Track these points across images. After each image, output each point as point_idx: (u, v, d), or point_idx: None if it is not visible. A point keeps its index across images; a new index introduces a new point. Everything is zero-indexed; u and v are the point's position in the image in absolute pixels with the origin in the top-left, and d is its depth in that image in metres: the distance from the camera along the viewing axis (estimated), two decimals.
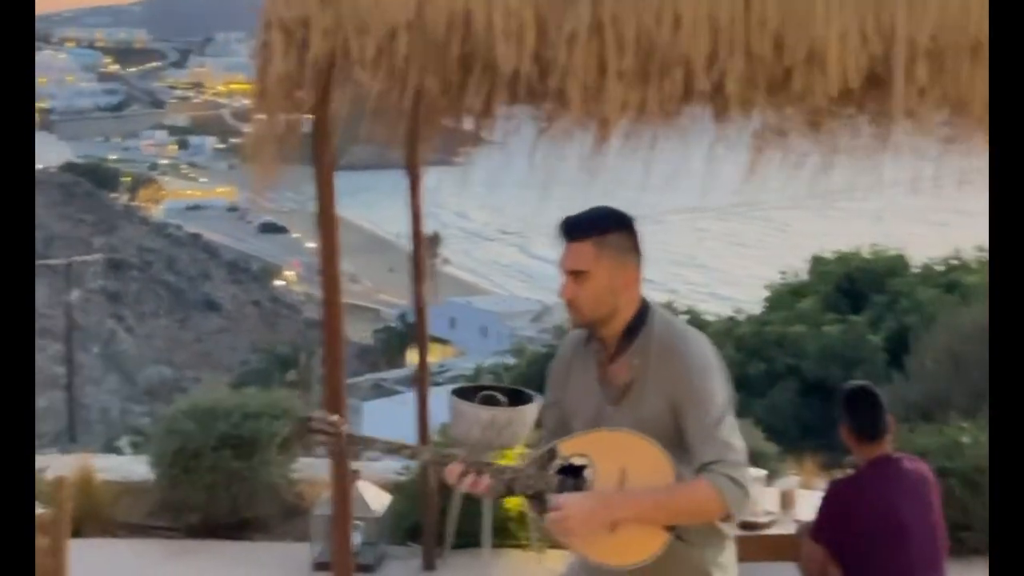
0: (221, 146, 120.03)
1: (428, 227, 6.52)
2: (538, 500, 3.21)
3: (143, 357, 52.35)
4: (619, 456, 3.14)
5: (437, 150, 6.19)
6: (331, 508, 5.08)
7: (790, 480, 5.87)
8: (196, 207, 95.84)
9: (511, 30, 4.31)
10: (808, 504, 5.31)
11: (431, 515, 6.55)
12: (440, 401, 6.44)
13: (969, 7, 4.07)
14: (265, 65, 4.50)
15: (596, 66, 4.29)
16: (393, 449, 3.34)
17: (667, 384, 3.19)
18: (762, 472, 5.65)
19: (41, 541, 4.28)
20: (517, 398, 6.19)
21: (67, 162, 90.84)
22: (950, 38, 4.12)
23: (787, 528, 5.34)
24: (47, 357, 46.74)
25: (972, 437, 6.83)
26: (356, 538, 5.67)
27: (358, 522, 5.94)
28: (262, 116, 4.55)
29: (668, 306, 3.40)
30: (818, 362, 22.52)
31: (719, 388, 3.19)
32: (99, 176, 79.16)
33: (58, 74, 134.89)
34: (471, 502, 6.66)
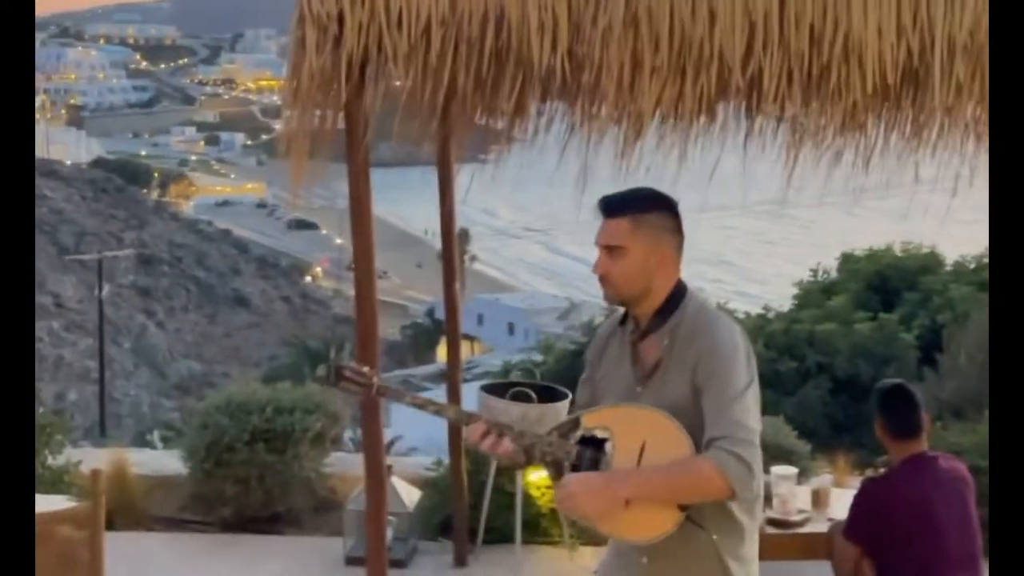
0: (250, 142, 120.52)
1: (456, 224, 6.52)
2: (556, 468, 3.24)
3: (173, 352, 52.59)
4: (640, 432, 3.16)
5: (467, 147, 6.20)
6: (365, 502, 5.10)
7: (823, 478, 5.85)
8: (226, 203, 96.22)
9: (545, 25, 4.31)
10: (841, 502, 5.28)
11: (462, 511, 6.56)
12: (469, 397, 6.44)
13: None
14: (298, 61, 4.51)
15: (631, 62, 4.28)
16: (420, 404, 3.37)
17: (690, 363, 3.20)
18: (794, 470, 5.63)
19: (77, 533, 4.31)
20: (548, 395, 6.18)
21: (97, 158, 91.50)
22: (988, 34, 4.09)
23: (820, 526, 5.31)
24: (78, 351, 47.07)
25: None
26: (388, 533, 5.68)
27: (390, 517, 5.95)
28: (296, 112, 4.56)
29: None
30: (849, 360, 22.39)
31: (740, 371, 3.17)
32: (130, 172, 79.68)
33: (89, 71, 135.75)
34: (502, 498, 6.67)
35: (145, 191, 76.91)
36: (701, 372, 3.17)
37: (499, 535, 6.69)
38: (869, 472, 7.25)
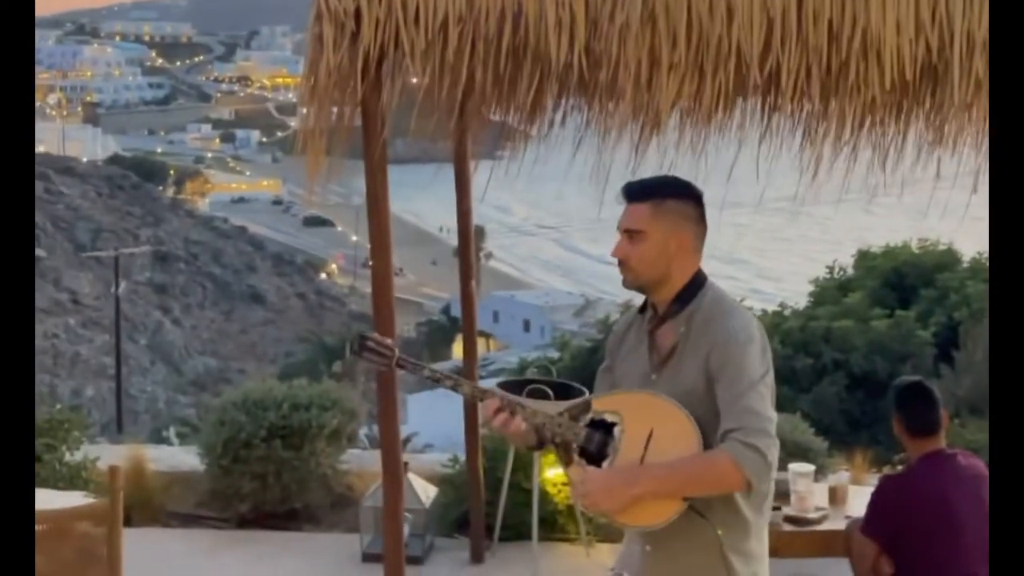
0: (266, 140, 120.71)
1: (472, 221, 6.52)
2: (564, 450, 3.25)
3: (189, 348, 52.73)
4: (649, 419, 3.17)
5: (481, 144, 6.20)
6: (382, 498, 5.10)
7: (840, 475, 5.83)
8: (241, 200, 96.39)
9: (563, 22, 4.31)
10: (858, 500, 5.27)
11: (478, 507, 6.57)
12: None
13: None
14: (316, 58, 4.51)
15: (648, 59, 4.28)
16: (437, 379, 3.40)
17: (704, 351, 3.20)
18: (811, 467, 5.62)
19: (95, 530, 4.32)
20: (564, 392, 6.17)
21: (113, 155, 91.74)
22: None
23: (838, 524, 5.30)
24: (95, 348, 47.23)
25: None
26: (404, 530, 5.68)
27: (406, 514, 5.95)
28: (313, 108, 4.56)
29: None
30: (866, 357, 22.32)
31: (754, 360, 3.16)
32: (145, 169, 79.79)
33: (105, 68, 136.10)
34: (519, 495, 6.67)
35: (161, 188, 77.06)
36: (714, 360, 3.17)
37: (516, 532, 6.69)
38: (887, 469, 7.25)
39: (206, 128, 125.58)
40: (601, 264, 72.08)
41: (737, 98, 4.64)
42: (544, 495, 6.56)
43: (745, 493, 3.15)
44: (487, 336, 51.15)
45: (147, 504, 7.21)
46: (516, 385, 6.27)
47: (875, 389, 20.69)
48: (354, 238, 71.09)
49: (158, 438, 17.08)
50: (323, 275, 70.74)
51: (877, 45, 4.12)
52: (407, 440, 15.38)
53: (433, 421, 20.04)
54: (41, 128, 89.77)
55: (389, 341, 3.46)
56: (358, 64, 4.46)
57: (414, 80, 4.54)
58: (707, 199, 3.42)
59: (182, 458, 7.92)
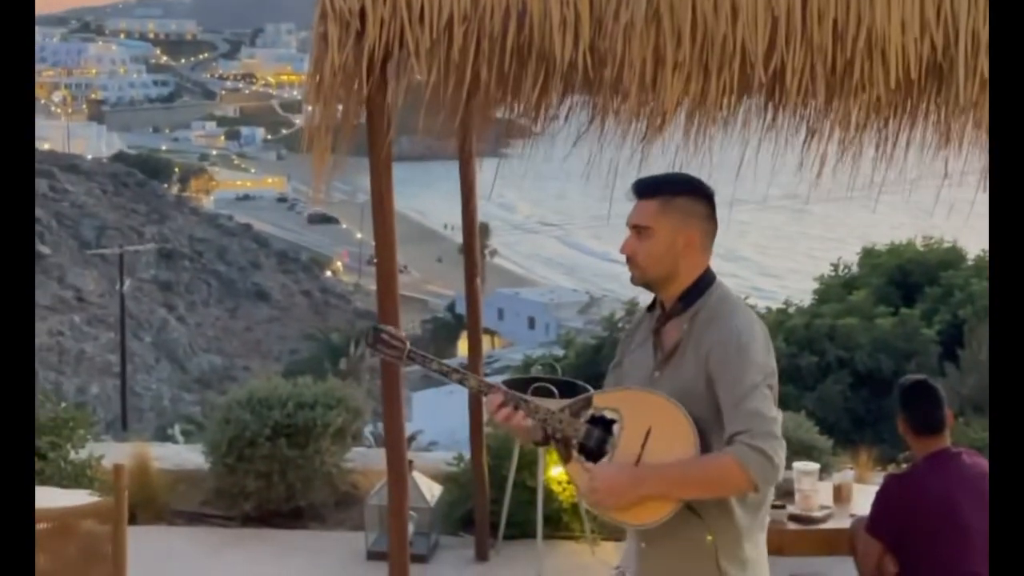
0: (271, 137, 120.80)
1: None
2: (564, 446, 3.26)
3: (194, 346, 52.78)
4: (648, 417, 3.17)
5: (486, 142, 6.20)
6: (387, 496, 5.11)
7: (845, 474, 5.83)
8: (246, 197, 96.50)
9: (567, 21, 4.31)
10: (863, 498, 5.27)
11: (483, 506, 6.57)
12: None
13: None
14: (321, 56, 4.51)
15: (653, 57, 4.27)
16: (445, 372, 3.43)
17: (705, 350, 3.19)
18: (816, 466, 5.62)
19: (100, 528, 4.33)
20: (569, 390, 6.17)
21: (118, 152, 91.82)
22: None
23: (842, 522, 5.30)
24: (100, 345, 47.28)
25: None
26: (409, 528, 5.69)
27: (411, 512, 5.96)
28: (318, 107, 4.56)
29: None
30: (870, 355, 22.33)
31: (755, 361, 3.14)
32: (150, 167, 79.85)
33: (110, 66, 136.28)
34: (523, 493, 6.67)
35: (166, 186, 77.14)
36: (714, 360, 3.16)
37: (520, 530, 6.69)
38: (892, 468, 7.24)
39: (211, 125, 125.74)
40: (604, 262, 72.15)
41: (742, 97, 4.64)
42: (549, 493, 6.56)
43: (740, 497, 3.15)
44: (492, 333, 51.18)
45: (152, 502, 7.22)
46: (521, 383, 6.25)
47: (879, 387, 20.70)
48: (359, 235, 71.16)
49: (163, 436, 17.08)
50: (328, 272, 70.81)
51: (882, 44, 4.11)
52: (412, 438, 15.39)
53: (438, 419, 20.06)
54: (46, 126, 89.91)
55: (402, 334, 3.49)
56: (363, 63, 4.46)
57: (419, 78, 4.54)
58: (715, 197, 3.41)
59: (187, 456, 7.93)
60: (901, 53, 4.12)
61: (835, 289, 26.20)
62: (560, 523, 6.83)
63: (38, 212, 48.38)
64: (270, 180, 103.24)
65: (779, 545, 5.12)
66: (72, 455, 6.96)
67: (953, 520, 4.46)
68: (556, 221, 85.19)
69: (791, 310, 25.66)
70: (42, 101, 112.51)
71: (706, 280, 3.32)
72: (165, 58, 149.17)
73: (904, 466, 4.89)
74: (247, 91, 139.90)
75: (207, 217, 68.26)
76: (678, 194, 3.33)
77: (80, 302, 50.13)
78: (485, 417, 6.47)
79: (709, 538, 3.17)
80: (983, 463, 4.66)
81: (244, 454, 7.07)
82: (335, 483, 7.33)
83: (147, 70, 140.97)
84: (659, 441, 3.14)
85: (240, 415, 7.12)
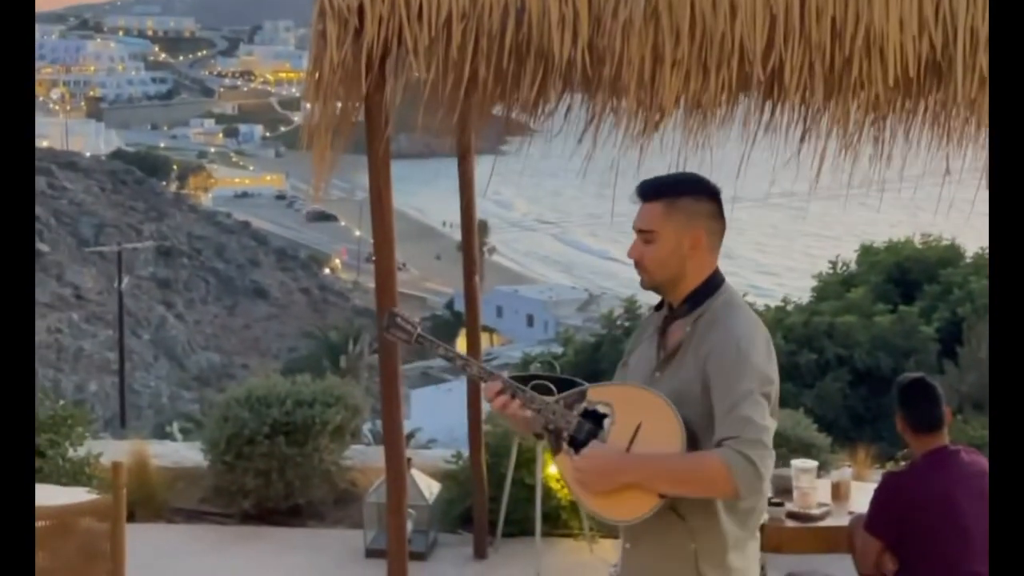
0: (269, 134, 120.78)
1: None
2: (556, 437, 3.26)
3: (193, 343, 52.76)
4: (639, 413, 3.16)
5: (483, 139, 6.20)
6: (385, 494, 5.11)
7: (843, 471, 5.82)
8: (245, 195, 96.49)
9: (566, 18, 4.31)
10: (861, 496, 5.27)
11: (482, 503, 6.57)
12: None
13: None
14: (319, 54, 4.52)
15: (651, 55, 4.28)
16: (450, 357, 3.46)
17: (703, 354, 3.17)
18: (814, 463, 5.62)
19: (99, 525, 4.33)
20: (568, 388, 6.17)
21: (117, 150, 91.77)
22: None
23: (840, 520, 5.30)
24: (98, 343, 47.26)
25: None
26: (408, 526, 5.69)
27: (409, 510, 5.96)
28: (317, 104, 4.56)
29: None
30: (869, 352, 22.36)
31: (754, 369, 3.10)
32: (149, 164, 79.78)
33: (108, 63, 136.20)
34: (521, 490, 6.67)
35: (164, 183, 77.07)
36: (712, 364, 3.14)
37: (519, 528, 6.69)
38: (890, 466, 7.25)
39: (209, 123, 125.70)
40: (602, 260, 72.15)
41: (740, 95, 4.64)
42: (547, 491, 6.57)
43: (729, 505, 3.12)
44: (491, 331, 51.16)
45: (150, 500, 7.22)
46: (521, 381, 6.28)
47: (878, 385, 20.72)
48: (357, 233, 71.14)
49: (161, 434, 17.07)
50: (327, 270, 70.79)
51: (880, 42, 4.12)
52: (410, 436, 15.39)
53: (436, 417, 20.06)
54: (44, 123, 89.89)
55: (415, 319, 3.49)
56: (362, 60, 4.47)
57: (418, 75, 4.54)
58: None
59: (185, 454, 7.93)
60: (899, 51, 4.13)
61: (834, 287, 26.23)
62: (559, 521, 6.83)
63: (36, 210, 48.34)
64: (268, 177, 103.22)
65: (777, 543, 5.14)
66: (71, 453, 6.95)
67: (952, 518, 4.46)
68: (553, 219, 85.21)
69: (790, 308, 25.69)
70: (40, 98, 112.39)
71: (714, 282, 3.28)
72: (163, 55, 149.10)
73: (902, 464, 4.89)
74: (245, 88, 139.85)
75: (205, 215, 68.22)
76: (682, 195, 3.28)
77: (78, 300, 50.11)
78: (484, 414, 6.47)
79: (692, 546, 3.14)
80: (982, 461, 4.66)
81: (243, 452, 7.07)
82: (334, 481, 7.33)
83: (145, 67, 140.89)
84: (647, 438, 3.13)
85: (239, 413, 7.12)
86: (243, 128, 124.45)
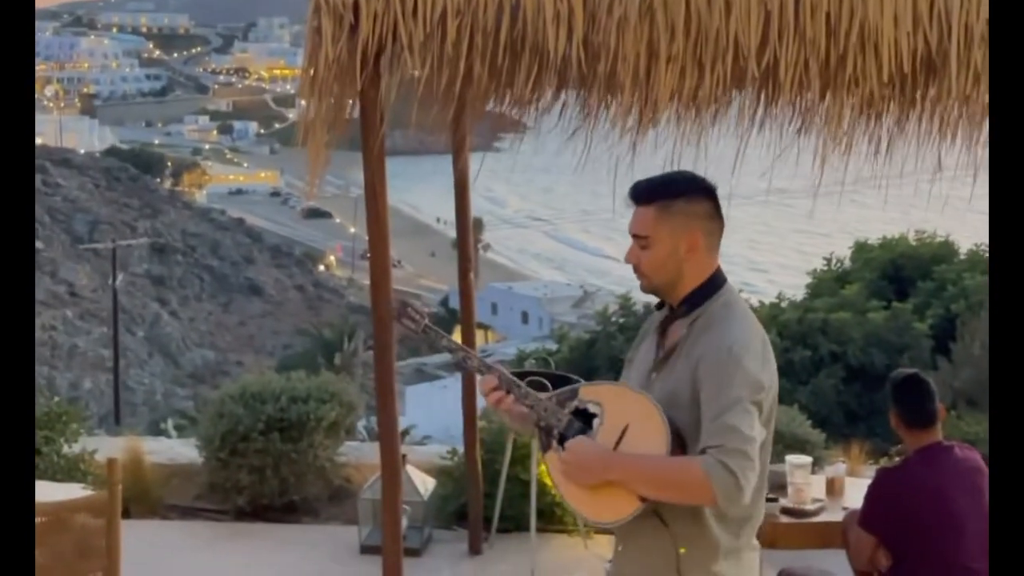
0: (264, 131, 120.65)
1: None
2: (546, 434, 3.25)
3: (187, 340, 52.73)
4: (627, 414, 3.15)
5: (479, 135, 6.20)
6: (380, 490, 5.11)
7: (837, 467, 5.84)
8: (239, 192, 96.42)
9: (561, 15, 4.31)
10: (855, 491, 5.28)
11: (477, 499, 6.58)
12: None
13: None
14: (315, 50, 4.52)
15: (646, 52, 4.28)
16: (452, 349, 3.45)
17: (696, 358, 3.14)
18: (808, 459, 5.63)
19: (94, 522, 4.33)
20: (562, 384, 6.17)
21: (111, 147, 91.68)
22: None
23: (835, 516, 5.31)
24: (93, 340, 47.21)
25: None
26: (402, 522, 5.70)
27: (404, 506, 5.97)
28: (312, 101, 4.56)
29: None
30: (863, 349, 22.40)
31: (744, 376, 3.05)
32: (143, 161, 79.71)
33: (102, 60, 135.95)
34: (516, 487, 6.68)
35: (158, 180, 77.01)
36: (703, 370, 3.10)
37: (514, 524, 6.70)
38: (884, 461, 7.26)
39: (203, 120, 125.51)
40: (595, 257, 72.18)
41: (735, 91, 4.65)
42: (542, 487, 6.57)
43: (719, 514, 3.09)
44: (486, 328, 51.19)
45: (145, 496, 7.22)
46: (517, 377, 6.28)
47: (872, 381, 20.77)
48: (352, 230, 71.12)
49: (156, 431, 17.05)
50: (321, 267, 70.77)
51: (875, 38, 4.12)
52: (405, 432, 15.39)
53: (432, 414, 20.07)
54: (38, 120, 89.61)
55: (424, 311, 3.50)
56: (357, 56, 4.46)
57: (415, 73, 4.54)
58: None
59: (180, 450, 7.92)
60: (894, 47, 4.13)
61: (828, 283, 26.27)
62: (553, 517, 6.84)
63: None
64: (263, 174, 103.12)
65: (772, 538, 5.14)
66: (65, 449, 6.95)
67: (945, 513, 4.48)
68: (546, 216, 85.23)
69: (784, 304, 25.71)
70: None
71: (714, 283, 3.23)
72: (157, 52, 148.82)
73: (896, 460, 4.90)
74: (240, 85, 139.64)
75: (200, 212, 68.16)
76: (675, 197, 3.22)
77: (73, 297, 50.05)
78: (479, 410, 6.48)
79: (682, 551, 3.12)
80: (975, 456, 4.68)
81: (237, 448, 7.07)
82: (328, 477, 7.33)
83: (139, 64, 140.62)
84: (633, 440, 3.12)
85: (233, 409, 7.12)
86: (237, 125, 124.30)
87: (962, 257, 25.79)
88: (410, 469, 6.63)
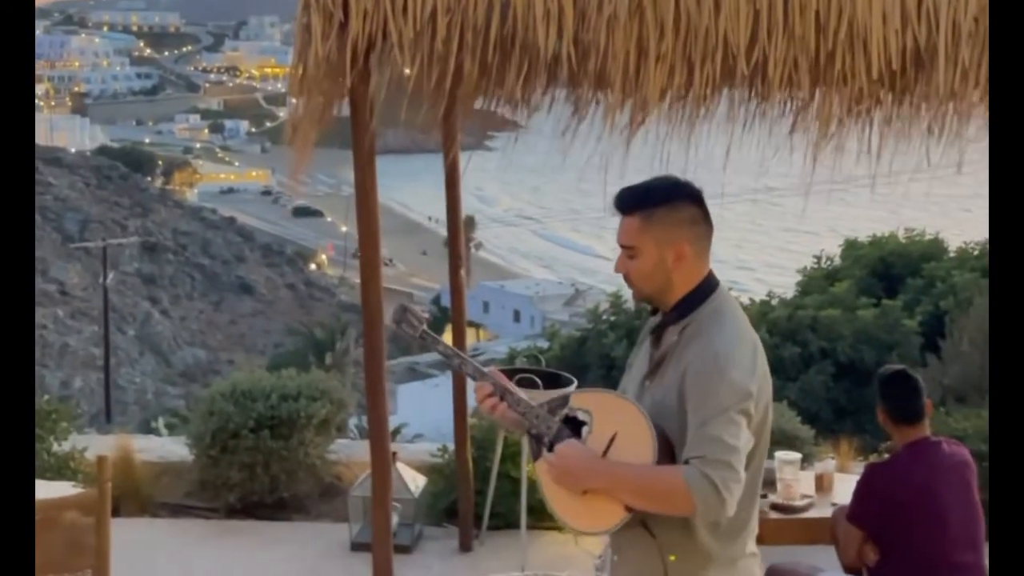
0: (255, 130, 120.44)
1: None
2: (536, 441, 3.24)
3: (178, 339, 52.65)
4: (616, 423, 3.14)
5: (468, 134, 6.20)
6: (370, 488, 5.12)
7: (826, 463, 5.86)
8: (230, 190, 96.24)
9: (551, 13, 4.32)
10: (844, 487, 5.31)
11: (467, 497, 6.58)
12: (473, 384, 6.45)
13: None
14: (304, 47, 4.52)
15: (636, 49, 4.29)
16: (449, 355, 3.43)
17: (683, 366, 3.11)
18: (797, 455, 5.65)
19: (83, 520, 4.33)
20: (553, 381, 6.19)
21: (101, 146, 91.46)
22: None
23: (824, 511, 5.34)
24: (83, 339, 47.13)
25: None
26: (393, 519, 5.70)
27: (395, 503, 5.97)
28: (302, 99, 4.56)
29: None
30: (852, 346, 22.42)
31: (731, 386, 3.02)
32: (134, 160, 79.53)
33: (93, 58, 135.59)
34: (507, 484, 6.69)
35: (149, 179, 76.91)
36: (689, 378, 3.07)
37: (504, 521, 6.71)
38: (873, 458, 7.29)
39: (194, 118, 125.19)
40: (585, 256, 72.17)
41: (724, 89, 4.65)
42: (532, 484, 6.56)
43: (709, 523, 3.06)
44: (477, 326, 51.18)
45: (135, 494, 7.21)
46: (507, 375, 6.29)
47: (862, 378, 20.79)
48: (344, 229, 71.01)
49: (147, 430, 17.04)
50: (313, 266, 70.69)
51: (864, 35, 4.14)
52: (397, 431, 15.39)
53: (423, 412, 20.07)
54: None
55: (424, 315, 3.46)
56: (346, 54, 4.47)
57: (405, 71, 4.54)
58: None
59: (171, 448, 7.92)
60: (883, 45, 4.15)
61: (818, 281, 26.29)
62: (544, 514, 6.77)
63: None
64: (254, 173, 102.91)
65: (761, 534, 5.13)
66: (55, 447, 6.95)
67: (932, 508, 4.50)
68: (535, 214, 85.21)
69: (774, 302, 25.74)
70: None
71: (704, 290, 3.20)
72: (148, 51, 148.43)
73: (885, 455, 4.92)
74: (231, 84, 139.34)
75: (191, 210, 68.08)
76: (658, 205, 3.17)
77: (63, 295, 49.96)
78: (469, 408, 6.49)
79: (672, 559, 3.11)
80: (963, 451, 4.70)
81: (228, 446, 7.07)
82: (319, 474, 7.34)
83: (130, 63, 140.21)
84: (620, 448, 3.10)
85: (223, 407, 7.12)
86: (228, 124, 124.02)
87: (951, 255, 25.85)
88: (400, 466, 6.63)
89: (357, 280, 4.97)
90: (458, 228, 6.42)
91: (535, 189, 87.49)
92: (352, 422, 11.67)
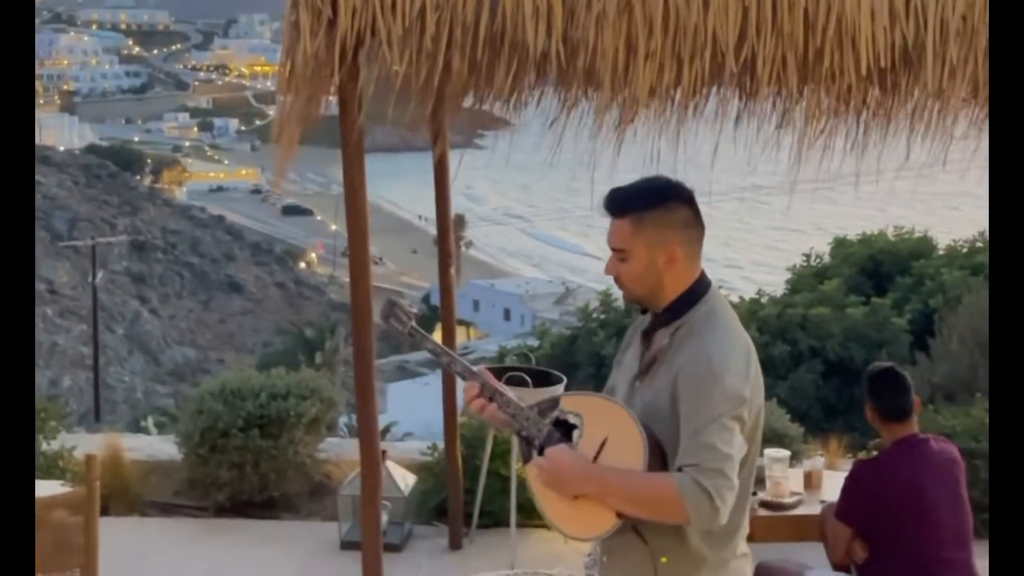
0: (244, 128, 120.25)
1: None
2: (527, 443, 3.22)
3: (167, 338, 52.56)
4: (606, 427, 3.12)
5: (457, 132, 6.19)
6: (360, 486, 5.11)
7: (815, 461, 5.87)
8: (220, 189, 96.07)
9: (540, 10, 4.31)
10: (833, 484, 5.31)
11: (457, 495, 6.58)
12: (463, 383, 6.45)
13: None
14: (292, 45, 4.50)
15: (625, 47, 4.29)
16: (437, 352, 3.39)
17: (675, 370, 3.09)
18: (786, 452, 5.66)
19: (72, 519, 4.32)
20: (544, 379, 6.19)
21: (90, 144, 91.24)
22: (981, 17, 4.11)
23: (812, 508, 5.34)
24: (72, 337, 47.03)
25: None
26: (383, 518, 5.70)
27: (385, 502, 5.97)
28: (290, 96, 4.55)
29: None
30: (842, 344, 22.46)
31: (724, 391, 3.00)
32: (123, 158, 79.32)
33: (81, 56, 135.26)
34: (497, 482, 6.69)
35: (138, 177, 76.69)
36: (681, 383, 3.05)
37: (494, 519, 6.71)
38: (862, 455, 7.30)
39: (183, 117, 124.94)
40: (574, 254, 72.19)
41: (713, 86, 4.66)
42: (522, 482, 6.57)
43: (701, 529, 3.06)
44: (468, 324, 51.19)
45: (124, 493, 7.20)
46: (495, 372, 6.28)
47: (851, 376, 20.82)
48: (333, 227, 70.94)
49: (136, 428, 17.01)
50: (302, 264, 70.59)
51: (852, 32, 4.14)
52: (386, 430, 15.38)
53: (413, 411, 20.04)
54: None
55: (413, 311, 3.44)
56: (335, 51, 4.45)
57: (394, 68, 4.53)
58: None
59: (160, 447, 7.91)
60: (871, 42, 4.15)
61: (807, 279, 26.31)
62: (533, 512, 6.79)
63: None
64: (244, 172, 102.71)
65: (750, 532, 5.14)
66: (44, 446, 6.93)
67: (920, 505, 4.51)
68: (524, 213, 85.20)
69: (764, 300, 25.76)
70: None
71: (696, 291, 3.17)
72: (137, 49, 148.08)
73: (874, 453, 4.93)
74: (220, 82, 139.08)
75: (180, 209, 67.96)
76: (649, 208, 3.14)
77: (52, 294, 49.83)
78: (459, 407, 6.48)
79: (663, 560, 3.10)
80: (951, 448, 4.71)
81: (217, 445, 7.07)
82: (308, 473, 7.33)
83: (119, 61, 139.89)
84: (611, 453, 3.09)
85: (213, 406, 7.11)
86: (218, 122, 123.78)
87: (940, 252, 25.90)
88: (390, 465, 6.63)
89: (347, 279, 4.96)
90: (448, 226, 6.41)
91: (524, 187, 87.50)
92: (342, 421, 11.68)
